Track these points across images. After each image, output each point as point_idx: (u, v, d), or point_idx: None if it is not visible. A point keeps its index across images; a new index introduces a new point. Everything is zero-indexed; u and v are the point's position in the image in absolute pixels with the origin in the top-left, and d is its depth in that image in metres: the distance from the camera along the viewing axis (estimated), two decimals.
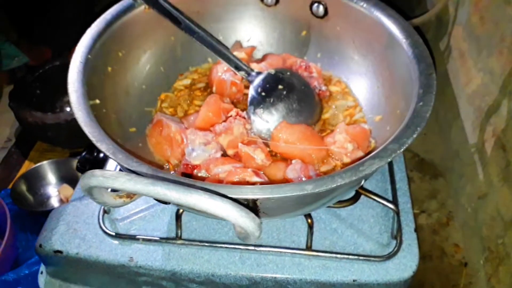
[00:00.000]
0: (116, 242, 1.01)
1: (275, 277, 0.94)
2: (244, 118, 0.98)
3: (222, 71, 1.10)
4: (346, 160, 0.95)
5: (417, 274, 0.96)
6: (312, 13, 1.15)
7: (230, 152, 0.96)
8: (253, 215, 0.55)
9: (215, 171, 0.91)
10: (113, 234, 1.01)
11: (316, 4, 1.13)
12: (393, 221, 1.00)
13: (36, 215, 1.70)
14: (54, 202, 1.80)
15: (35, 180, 1.77)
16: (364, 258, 0.96)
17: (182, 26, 1.05)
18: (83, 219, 1.06)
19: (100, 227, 1.04)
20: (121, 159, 0.72)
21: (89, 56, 0.92)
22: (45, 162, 1.81)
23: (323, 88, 1.10)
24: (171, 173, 0.97)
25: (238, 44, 1.20)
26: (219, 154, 0.96)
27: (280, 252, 0.97)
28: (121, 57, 1.04)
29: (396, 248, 0.97)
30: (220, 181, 0.89)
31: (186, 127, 1.04)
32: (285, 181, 0.93)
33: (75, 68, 0.88)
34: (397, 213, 0.96)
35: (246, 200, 0.68)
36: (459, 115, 1.14)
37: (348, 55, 1.13)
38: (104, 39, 0.98)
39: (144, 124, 1.06)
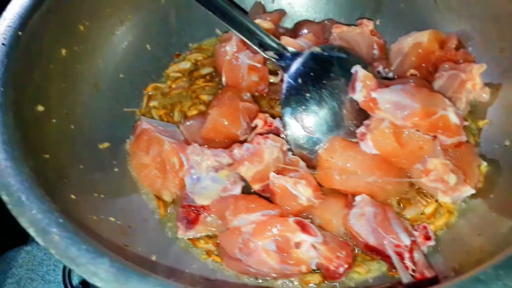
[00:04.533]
0: None
1: None
2: (277, 130, 0.62)
3: (232, 52, 0.73)
4: (444, 199, 0.59)
5: None
6: None
7: (256, 186, 0.61)
8: None
9: (235, 222, 0.55)
10: None
11: None
12: None
13: None
14: None
15: None
16: None
17: None
18: (40, 274, 0.73)
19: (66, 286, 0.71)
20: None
21: (20, 33, 0.55)
22: None
23: (390, 74, 0.73)
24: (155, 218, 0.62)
25: (260, 7, 0.82)
26: (239, 188, 0.61)
27: None
28: (83, 32, 0.67)
29: None
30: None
31: (186, 138, 0.68)
32: (350, 234, 0.58)
33: None
34: None
35: None
36: None
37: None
38: (49, 4, 0.60)
39: (123, 134, 0.70)
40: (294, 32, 0.82)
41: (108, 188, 0.62)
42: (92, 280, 0.35)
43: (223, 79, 0.75)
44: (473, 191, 0.58)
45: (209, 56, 0.81)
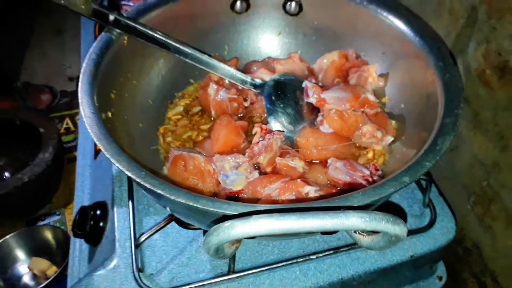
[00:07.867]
0: None
1: (341, 278, 0.94)
2: (272, 132, 0.95)
3: (214, 92, 1.05)
4: (377, 147, 0.97)
5: None
6: (286, 12, 1.15)
7: (268, 169, 0.92)
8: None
9: (266, 191, 0.86)
10: None
11: (289, 3, 1.13)
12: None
13: None
14: (28, 280, 1.53)
15: None
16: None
17: (172, 50, 0.98)
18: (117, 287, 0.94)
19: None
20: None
21: (97, 104, 0.82)
22: (7, 237, 1.53)
23: (320, 84, 1.11)
24: None
25: (218, 58, 1.15)
26: (256, 174, 0.91)
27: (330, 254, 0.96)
28: (114, 98, 0.93)
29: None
30: (275, 201, 0.85)
31: (205, 155, 0.97)
32: (333, 182, 0.92)
33: (96, 129, 0.77)
34: (431, 181, 1.00)
35: None
36: None
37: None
38: (99, 81, 0.87)
39: (158, 165, 0.97)
40: (246, 70, 1.16)
41: None
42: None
43: (212, 112, 1.06)
44: (392, 138, 0.96)
45: (194, 99, 1.12)
